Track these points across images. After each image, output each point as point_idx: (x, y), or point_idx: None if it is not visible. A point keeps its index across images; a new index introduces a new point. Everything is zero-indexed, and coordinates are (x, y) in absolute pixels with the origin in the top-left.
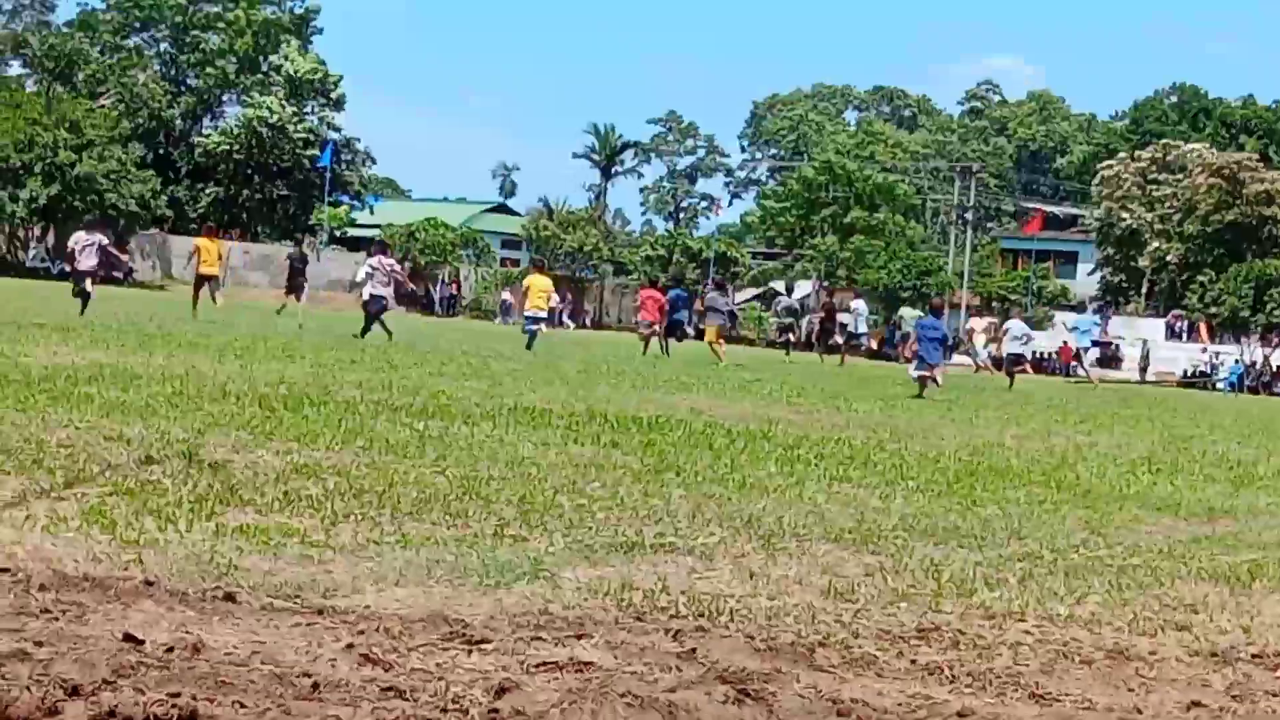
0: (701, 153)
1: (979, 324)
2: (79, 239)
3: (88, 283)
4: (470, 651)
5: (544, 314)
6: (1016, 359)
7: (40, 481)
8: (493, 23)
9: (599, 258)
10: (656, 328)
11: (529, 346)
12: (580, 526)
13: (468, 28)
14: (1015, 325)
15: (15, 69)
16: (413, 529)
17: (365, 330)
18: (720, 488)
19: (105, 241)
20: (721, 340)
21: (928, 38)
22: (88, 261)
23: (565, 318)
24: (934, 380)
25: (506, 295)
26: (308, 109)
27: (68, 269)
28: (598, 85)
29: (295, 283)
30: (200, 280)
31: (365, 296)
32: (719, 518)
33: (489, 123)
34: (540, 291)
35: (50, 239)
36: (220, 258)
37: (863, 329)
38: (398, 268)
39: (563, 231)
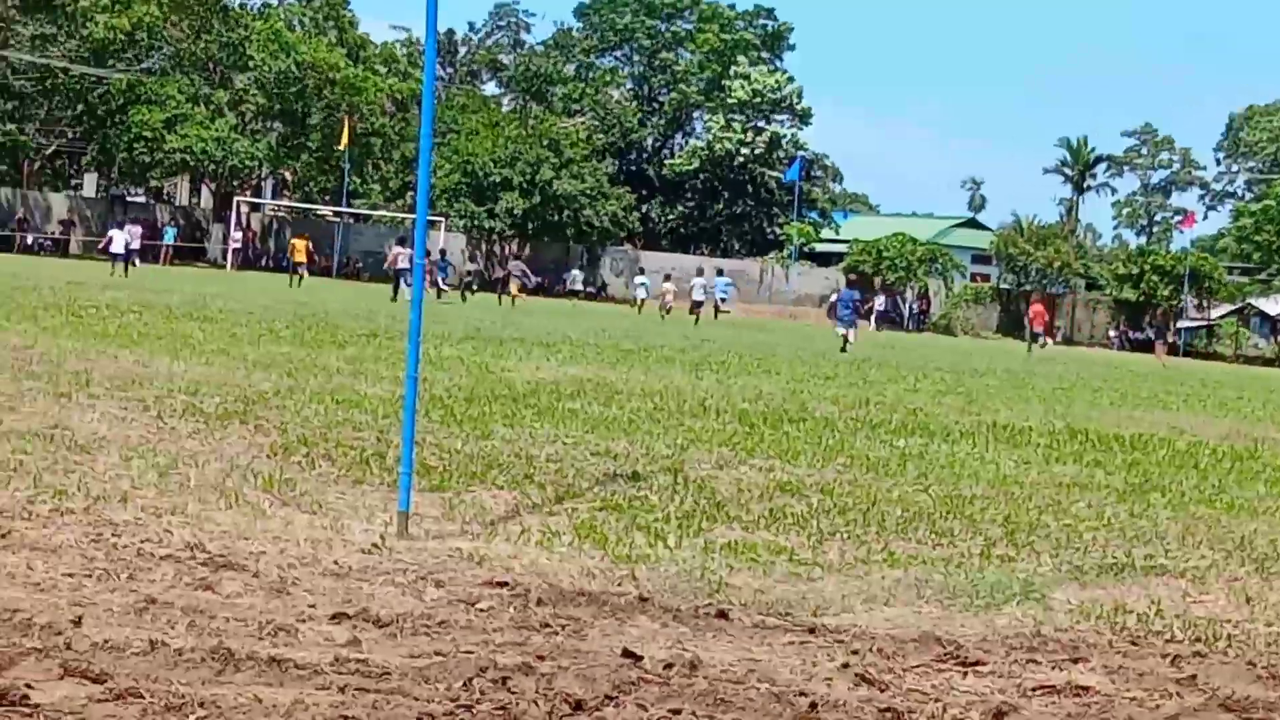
0: (1176, 166)
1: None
2: (121, 233)
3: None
4: (965, 673)
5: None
6: (697, 304)
7: (531, 496)
8: (966, 34)
9: (1070, 273)
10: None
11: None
12: (1068, 547)
13: (940, 40)
14: (699, 281)
15: (491, 88)
16: (899, 548)
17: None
18: (1208, 509)
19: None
20: (522, 294)
21: None
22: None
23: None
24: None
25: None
26: (774, 126)
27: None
28: (1070, 97)
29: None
30: (294, 265)
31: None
32: (1209, 539)
33: (959, 136)
34: (301, 249)
35: (525, 254)
36: (306, 252)
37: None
38: (401, 251)
39: (1033, 247)
